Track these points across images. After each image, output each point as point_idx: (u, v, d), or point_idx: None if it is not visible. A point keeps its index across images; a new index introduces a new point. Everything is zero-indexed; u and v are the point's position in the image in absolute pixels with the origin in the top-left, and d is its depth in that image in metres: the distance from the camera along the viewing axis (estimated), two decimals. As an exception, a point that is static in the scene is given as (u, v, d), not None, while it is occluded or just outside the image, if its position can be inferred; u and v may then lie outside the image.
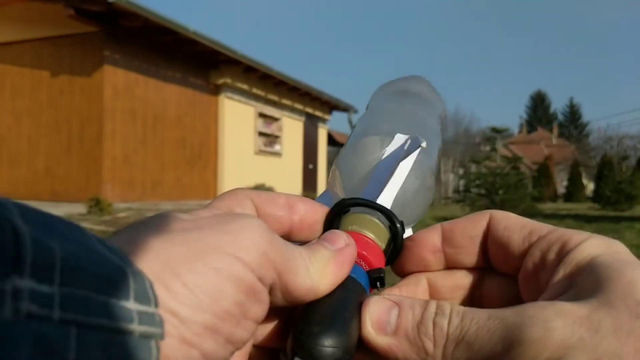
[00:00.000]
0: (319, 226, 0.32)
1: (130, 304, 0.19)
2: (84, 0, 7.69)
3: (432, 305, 0.26)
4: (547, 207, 16.81)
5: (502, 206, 9.21)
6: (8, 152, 9.31)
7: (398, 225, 0.32)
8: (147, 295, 0.20)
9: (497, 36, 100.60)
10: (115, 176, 8.80)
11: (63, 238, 0.18)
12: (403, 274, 0.34)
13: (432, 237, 0.32)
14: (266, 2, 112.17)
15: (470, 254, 0.32)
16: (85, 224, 6.02)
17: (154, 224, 0.23)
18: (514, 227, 0.30)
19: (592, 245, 0.26)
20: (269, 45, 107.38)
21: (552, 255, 0.27)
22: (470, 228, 0.31)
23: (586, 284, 0.24)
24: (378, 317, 0.27)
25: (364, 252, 0.30)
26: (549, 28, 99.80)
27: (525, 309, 0.23)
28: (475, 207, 9.46)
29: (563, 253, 0.27)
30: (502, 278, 0.31)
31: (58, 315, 0.17)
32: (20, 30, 9.11)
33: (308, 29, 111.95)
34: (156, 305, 0.20)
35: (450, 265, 0.32)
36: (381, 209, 0.32)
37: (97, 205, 7.10)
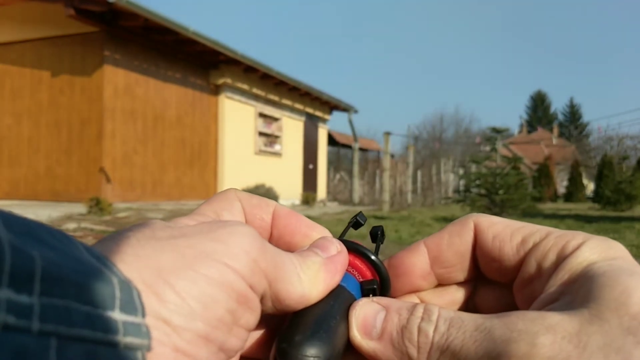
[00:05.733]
0: (299, 238, 0.31)
1: (116, 314, 0.18)
2: (84, 0, 7.69)
3: (419, 310, 0.26)
4: (547, 207, 16.81)
5: (502, 206, 9.21)
6: (8, 152, 9.31)
7: (384, 273, 0.31)
8: (133, 305, 0.19)
9: (497, 36, 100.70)
10: (115, 176, 8.80)
11: (46, 246, 0.18)
12: (394, 297, 0.32)
13: (420, 262, 0.31)
14: (266, 2, 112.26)
15: (461, 270, 0.31)
16: (85, 224, 6.02)
17: (141, 232, 0.23)
18: (504, 236, 0.28)
19: (588, 251, 0.25)
20: (269, 45, 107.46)
21: (548, 264, 0.26)
22: (458, 244, 0.30)
23: (579, 292, 0.23)
24: (364, 321, 0.26)
25: (357, 262, 0.30)
26: (549, 28, 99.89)
27: (513, 322, 0.22)
28: (475, 207, 9.45)
29: (559, 261, 0.26)
30: (495, 287, 0.30)
31: (37, 327, 0.16)
32: (21, 30, 9.11)
33: (308, 28, 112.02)
34: (143, 315, 0.20)
35: (442, 283, 0.31)
36: (372, 261, 0.31)
37: (97, 205, 7.10)
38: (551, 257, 0.26)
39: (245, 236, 0.24)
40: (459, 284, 0.32)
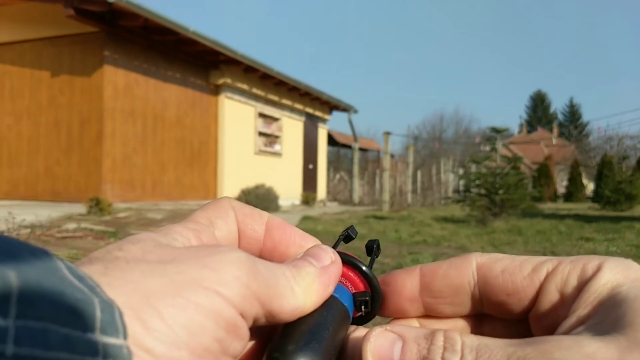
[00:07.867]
0: (294, 249, 0.30)
1: (96, 336, 0.18)
2: (83, 0, 7.69)
3: (439, 339, 0.24)
4: (547, 207, 16.81)
5: (502, 206, 9.19)
6: (8, 152, 9.31)
7: (376, 285, 0.31)
8: (115, 326, 0.19)
9: (497, 36, 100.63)
10: (115, 176, 8.80)
11: (26, 266, 0.17)
12: (383, 315, 0.32)
13: (411, 284, 0.30)
14: (266, 2, 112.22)
15: (450, 304, 0.29)
16: (85, 224, 6.02)
17: (130, 253, 0.23)
18: (513, 268, 0.28)
19: (609, 271, 0.25)
20: (269, 45, 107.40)
21: (569, 289, 0.26)
22: (453, 276, 0.29)
23: (608, 315, 0.23)
24: (380, 352, 0.24)
25: (350, 274, 0.30)
26: (549, 28, 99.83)
27: (549, 351, 0.21)
28: (475, 207, 9.42)
29: (581, 285, 0.25)
30: (502, 320, 0.29)
31: (12, 351, 0.15)
32: (20, 30, 9.11)
33: (308, 28, 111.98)
34: (125, 336, 0.19)
35: (430, 314, 0.30)
36: (364, 272, 0.31)
37: (97, 205, 7.10)
38: (572, 282, 0.26)
39: (235, 262, 0.23)
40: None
